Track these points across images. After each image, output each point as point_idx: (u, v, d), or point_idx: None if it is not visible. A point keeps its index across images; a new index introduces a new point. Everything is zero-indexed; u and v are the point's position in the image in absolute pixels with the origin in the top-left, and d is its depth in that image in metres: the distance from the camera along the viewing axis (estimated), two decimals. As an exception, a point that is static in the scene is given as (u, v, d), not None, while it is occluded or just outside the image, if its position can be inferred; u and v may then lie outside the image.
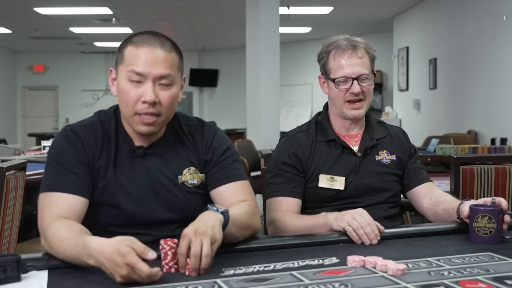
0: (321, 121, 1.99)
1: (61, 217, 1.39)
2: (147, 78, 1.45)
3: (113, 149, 1.53)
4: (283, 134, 2.05)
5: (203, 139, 1.61)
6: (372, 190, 1.90)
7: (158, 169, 1.54)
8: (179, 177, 1.55)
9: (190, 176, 1.56)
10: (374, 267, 1.25)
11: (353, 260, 1.28)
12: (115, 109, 1.59)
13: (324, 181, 1.88)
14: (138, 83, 1.46)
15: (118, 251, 1.13)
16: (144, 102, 1.45)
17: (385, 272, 1.21)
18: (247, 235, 1.48)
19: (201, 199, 1.58)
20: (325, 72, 1.93)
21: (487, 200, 1.59)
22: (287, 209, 1.83)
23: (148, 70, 1.44)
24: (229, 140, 1.65)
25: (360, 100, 1.89)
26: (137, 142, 1.55)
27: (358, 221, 1.51)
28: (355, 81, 1.86)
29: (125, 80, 1.47)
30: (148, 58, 1.45)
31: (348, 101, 1.89)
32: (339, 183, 1.87)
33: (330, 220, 1.60)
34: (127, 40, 1.51)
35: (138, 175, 1.52)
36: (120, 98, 1.50)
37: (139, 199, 1.51)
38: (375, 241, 1.49)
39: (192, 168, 1.57)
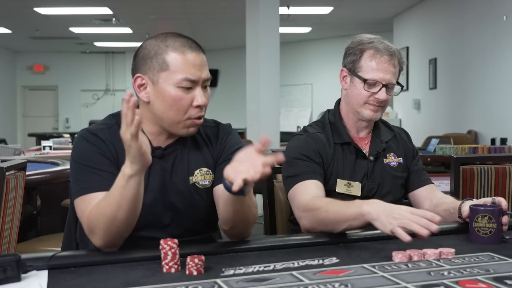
0: (334, 121, 1.93)
1: None
2: (198, 83, 1.49)
3: None
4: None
5: (218, 139, 1.61)
6: (380, 194, 1.88)
7: (173, 170, 1.54)
8: (190, 178, 1.55)
9: (201, 177, 1.55)
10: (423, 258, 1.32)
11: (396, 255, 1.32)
12: None
13: (342, 187, 1.84)
14: (189, 89, 1.48)
15: None
16: (197, 106, 1.48)
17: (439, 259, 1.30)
18: (240, 228, 1.47)
19: (212, 201, 1.57)
20: (353, 68, 1.87)
21: (487, 200, 1.59)
22: (316, 191, 1.73)
23: (199, 75, 1.49)
24: (242, 142, 1.64)
25: (379, 105, 1.87)
26: (155, 143, 1.55)
27: (412, 219, 1.38)
28: (383, 88, 1.83)
29: (175, 88, 1.47)
30: (197, 63, 1.48)
31: (368, 103, 1.86)
32: (355, 189, 1.85)
33: (367, 216, 1.46)
34: (161, 45, 1.49)
35: (153, 176, 1.52)
36: (169, 105, 1.48)
37: (153, 200, 1.51)
38: (433, 228, 1.36)
39: (204, 169, 1.57)
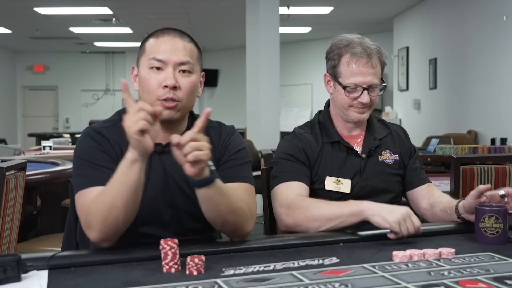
0: (323, 121, 1.96)
1: None
2: (167, 64, 1.50)
3: None
4: (283, 134, 2.02)
5: (220, 139, 1.61)
6: (376, 192, 1.88)
7: (174, 168, 1.52)
8: None
9: None
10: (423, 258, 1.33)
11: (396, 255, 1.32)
12: None
13: (331, 184, 1.85)
14: (159, 70, 1.51)
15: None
16: (165, 87, 1.49)
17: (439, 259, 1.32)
18: (231, 221, 1.45)
19: None
20: (334, 74, 1.88)
21: (494, 193, 1.58)
22: (299, 191, 1.77)
23: (168, 57, 1.50)
24: (244, 144, 1.65)
25: (365, 107, 1.87)
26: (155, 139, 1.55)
27: (408, 227, 1.51)
28: (365, 91, 1.83)
29: (146, 69, 1.52)
30: (168, 46, 1.52)
31: (354, 106, 1.87)
32: (345, 186, 1.85)
33: (367, 212, 1.57)
34: (148, 36, 1.58)
35: (154, 172, 1.53)
36: (141, 87, 1.53)
37: (153, 197, 1.51)
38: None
39: None
